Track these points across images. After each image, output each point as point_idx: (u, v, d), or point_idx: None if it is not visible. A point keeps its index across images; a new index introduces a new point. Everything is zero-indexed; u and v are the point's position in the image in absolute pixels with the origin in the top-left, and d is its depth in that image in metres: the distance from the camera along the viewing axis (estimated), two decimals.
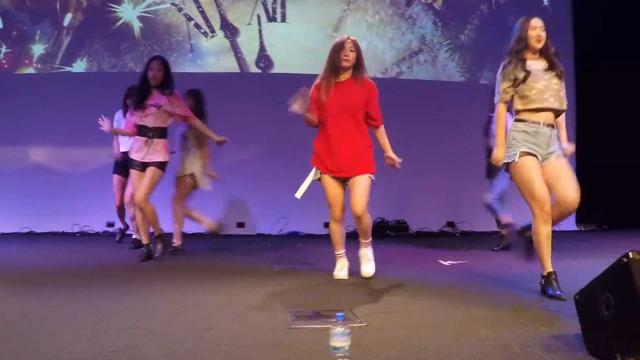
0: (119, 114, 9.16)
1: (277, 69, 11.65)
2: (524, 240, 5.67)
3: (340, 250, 6.52)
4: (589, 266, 5.32)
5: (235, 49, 11.62)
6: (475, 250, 8.73)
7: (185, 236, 8.70)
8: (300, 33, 11.70)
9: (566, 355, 3.47)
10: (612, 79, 10.92)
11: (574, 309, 3.68)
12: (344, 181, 6.36)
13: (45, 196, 11.17)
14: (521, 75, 5.22)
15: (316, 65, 11.34)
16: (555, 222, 5.23)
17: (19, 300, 5.14)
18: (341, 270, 6.45)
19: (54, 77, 11.50)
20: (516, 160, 5.21)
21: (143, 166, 7.65)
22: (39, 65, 11.55)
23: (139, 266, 7.33)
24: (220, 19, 11.60)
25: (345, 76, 6.34)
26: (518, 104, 5.31)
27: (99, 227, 11.29)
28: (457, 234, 11.22)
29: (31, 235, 11.08)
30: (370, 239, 6.57)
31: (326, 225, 11.04)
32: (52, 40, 11.53)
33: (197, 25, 11.57)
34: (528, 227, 5.49)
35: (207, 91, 10.69)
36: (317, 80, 6.46)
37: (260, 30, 11.66)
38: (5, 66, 11.56)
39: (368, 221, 6.40)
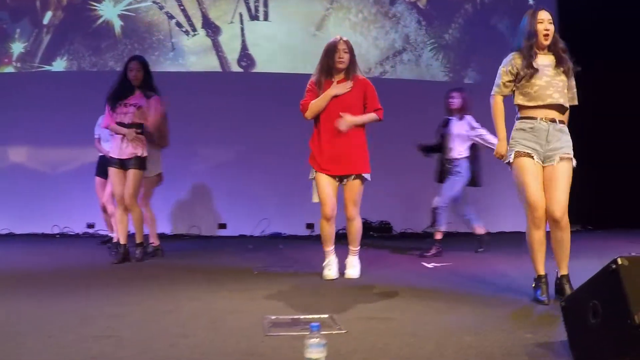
0: (101, 119, 9.00)
1: (259, 67, 11.52)
2: None
3: (329, 247, 6.52)
4: (573, 268, 5.22)
5: (217, 47, 11.48)
6: (459, 252, 8.62)
7: (166, 237, 8.58)
8: (282, 32, 11.57)
9: None
10: (604, 78, 10.83)
11: (559, 315, 3.58)
12: (339, 180, 6.39)
13: (25, 197, 11.01)
14: (528, 71, 5.08)
15: (298, 64, 11.42)
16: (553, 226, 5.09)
17: None
18: (330, 270, 6.44)
19: (34, 76, 11.34)
20: (511, 160, 5.14)
21: (120, 163, 7.65)
22: (19, 64, 11.38)
23: (115, 269, 7.17)
24: (202, 17, 11.46)
25: (339, 76, 6.40)
26: (519, 100, 5.19)
27: (79, 228, 11.12)
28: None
29: (10, 236, 10.89)
30: (358, 248, 6.60)
31: (308, 226, 11.11)
32: (31, 38, 11.37)
33: (178, 24, 11.42)
34: None
35: (188, 90, 10.64)
36: (311, 84, 6.50)
37: (242, 29, 11.53)
38: None
39: (359, 226, 6.51)
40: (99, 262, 7.78)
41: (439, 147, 8.49)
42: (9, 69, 11.40)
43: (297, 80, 11.07)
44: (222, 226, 11.29)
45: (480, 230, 8.63)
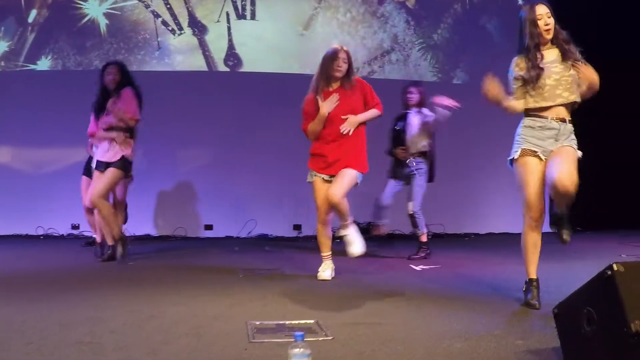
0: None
1: (246, 67, 11.40)
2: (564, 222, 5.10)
3: (326, 252, 6.58)
4: (562, 270, 5.16)
5: (203, 47, 11.36)
6: (447, 253, 8.56)
7: (151, 239, 8.48)
8: (270, 31, 11.46)
9: None
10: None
11: (551, 321, 3.50)
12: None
13: (9, 197, 10.85)
14: (534, 73, 4.94)
15: (286, 64, 11.34)
16: (559, 205, 4.93)
17: None
18: (324, 271, 6.48)
19: (18, 75, 11.19)
20: (516, 157, 5.04)
21: (106, 166, 7.63)
22: (3, 63, 11.23)
23: (97, 272, 7.04)
24: (189, 16, 11.33)
25: (337, 84, 6.46)
26: (529, 101, 5.04)
27: (63, 229, 10.98)
28: (430, 237, 11.01)
29: None
30: (350, 219, 6.37)
31: (295, 227, 11.01)
32: (16, 37, 11.22)
33: (164, 23, 11.30)
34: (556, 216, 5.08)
35: (174, 90, 10.54)
36: (310, 93, 6.54)
37: (229, 28, 11.40)
38: None
39: (344, 206, 6.25)
40: (82, 264, 7.66)
41: (397, 142, 8.37)
42: None
43: (284, 80, 11.11)
44: (208, 227, 11.17)
45: (381, 230, 8.55)
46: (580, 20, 11.53)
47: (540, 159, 4.95)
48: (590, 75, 4.95)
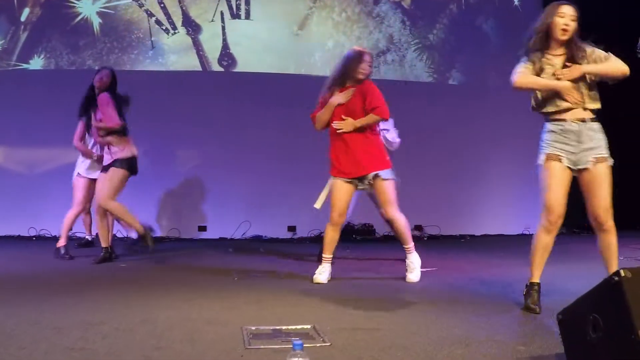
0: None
1: (241, 67, 11.31)
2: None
3: (327, 255, 6.48)
4: (561, 272, 5.10)
5: (197, 46, 11.28)
6: (443, 255, 8.50)
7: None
8: (264, 31, 11.38)
9: None
10: None
11: (553, 326, 3.44)
12: (357, 184, 6.46)
13: (0, 198, 10.76)
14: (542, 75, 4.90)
15: (280, 64, 11.27)
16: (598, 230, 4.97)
17: None
18: (321, 274, 6.39)
19: (10, 74, 11.08)
20: (541, 163, 4.97)
21: (107, 168, 7.71)
22: None
23: (90, 274, 6.94)
24: (183, 15, 11.24)
25: (351, 83, 6.46)
26: (547, 106, 4.97)
27: (56, 230, 10.82)
28: (425, 238, 10.98)
29: None
30: (410, 245, 6.56)
31: (290, 229, 10.94)
32: (8, 36, 11.11)
33: (158, 22, 11.21)
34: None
35: (168, 90, 10.46)
36: (326, 93, 6.55)
37: (223, 28, 11.32)
38: None
39: (402, 224, 6.48)
40: (75, 266, 7.58)
41: None
42: None
43: (279, 80, 11.05)
44: (202, 228, 11.09)
45: None
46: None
47: (565, 163, 4.89)
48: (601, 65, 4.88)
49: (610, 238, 4.92)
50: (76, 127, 8.58)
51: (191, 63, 11.28)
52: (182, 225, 10.95)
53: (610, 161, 4.92)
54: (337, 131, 6.38)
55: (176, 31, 11.24)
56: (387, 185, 6.40)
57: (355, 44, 11.50)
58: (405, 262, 6.63)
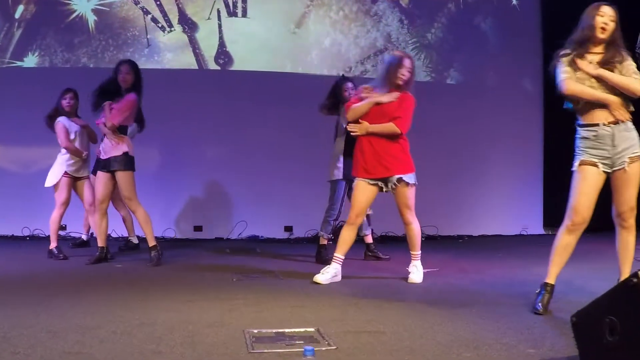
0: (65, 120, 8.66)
1: (237, 65, 11.24)
2: None
3: (340, 253, 6.48)
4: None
5: (193, 44, 11.19)
6: (442, 255, 8.49)
7: (140, 240, 8.33)
8: (261, 29, 11.30)
9: None
10: None
11: (563, 328, 3.38)
12: (381, 186, 6.46)
13: None
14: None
15: (277, 62, 11.18)
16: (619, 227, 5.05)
17: None
18: (323, 274, 6.34)
19: (4, 72, 10.97)
20: (575, 169, 4.96)
21: (106, 164, 7.68)
22: None
23: (86, 275, 6.86)
24: (179, 12, 11.15)
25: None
26: (576, 105, 4.97)
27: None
28: (423, 238, 10.88)
29: None
30: (419, 253, 6.65)
31: (286, 229, 10.85)
32: (2, 33, 11.01)
33: (154, 19, 11.12)
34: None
35: (164, 88, 10.35)
36: (377, 97, 6.46)
37: (220, 25, 11.23)
38: None
39: (416, 230, 6.61)
40: (70, 266, 7.50)
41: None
42: None
43: (276, 78, 10.96)
44: (198, 228, 11.00)
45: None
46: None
47: (600, 168, 4.87)
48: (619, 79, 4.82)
49: (629, 236, 4.99)
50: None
51: (187, 61, 11.19)
52: (178, 225, 10.87)
53: None
54: (351, 133, 6.46)
55: (172, 29, 11.15)
56: (410, 190, 6.43)
57: (353, 42, 11.46)
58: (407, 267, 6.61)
